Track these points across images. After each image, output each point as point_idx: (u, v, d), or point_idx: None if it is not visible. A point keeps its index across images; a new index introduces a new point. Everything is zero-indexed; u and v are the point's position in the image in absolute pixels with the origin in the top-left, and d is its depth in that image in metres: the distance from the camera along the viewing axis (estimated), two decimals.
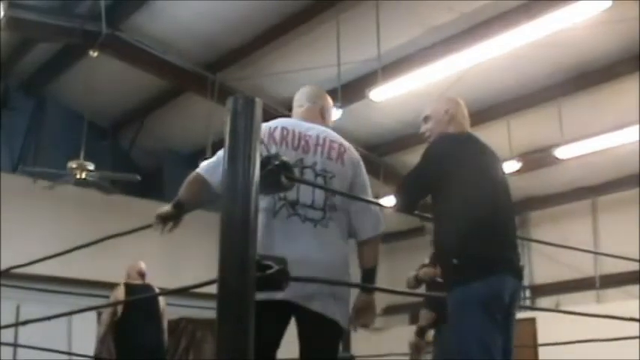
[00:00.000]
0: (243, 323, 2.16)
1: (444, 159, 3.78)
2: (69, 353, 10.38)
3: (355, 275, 3.76)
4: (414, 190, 3.87)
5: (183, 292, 7.95)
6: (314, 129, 3.76)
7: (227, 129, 2.32)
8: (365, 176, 3.83)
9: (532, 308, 13.78)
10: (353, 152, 3.80)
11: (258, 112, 2.34)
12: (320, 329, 3.60)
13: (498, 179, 3.90)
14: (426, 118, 4.03)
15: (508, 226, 3.84)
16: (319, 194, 3.60)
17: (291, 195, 3.52)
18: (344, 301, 3.67)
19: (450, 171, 3.72)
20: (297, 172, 3.43)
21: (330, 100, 4.07)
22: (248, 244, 2.22)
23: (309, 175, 3.63)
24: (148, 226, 3.63)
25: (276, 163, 3.28)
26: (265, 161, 2.65)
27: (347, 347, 6.84)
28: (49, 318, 4.61)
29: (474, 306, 3.51)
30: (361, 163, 3.83)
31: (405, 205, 3.88)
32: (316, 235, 3.56)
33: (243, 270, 2.20)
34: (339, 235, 3.64)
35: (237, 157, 2.29)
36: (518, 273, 3.73)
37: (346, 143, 3.80)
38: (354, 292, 3.83)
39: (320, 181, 3.62)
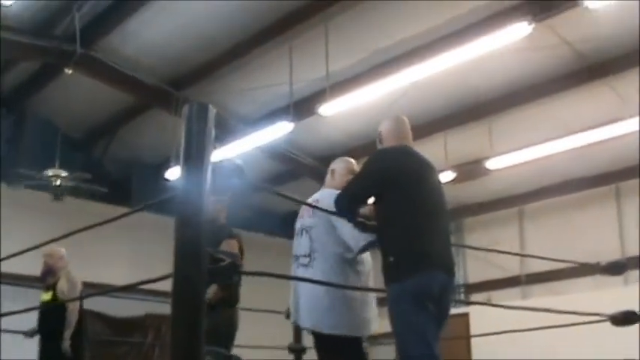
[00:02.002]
0: (196, 308, 2.13)
1: (373, 171, 3.85)
2: None
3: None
4: (350, 197, 3.91)
5: (134, 287, 7.75)
6: (313, 196, 4.39)
7: (183, 133, 2.29)
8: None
9: (466, 302, 13.91)
10: (325, 201, 4.16)
11: (211, 117, 2.31)
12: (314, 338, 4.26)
13: (433, 186, 3.93)
14: None
15: (441, 228, 3.86)
16: (305, 246, 4.24)
17: (296, 251, 4.32)
18: (320, 311, 4.12)
19: (384, 180, 3.76)
20: (301, 234, 4.30)
21: (341, 162, 4.60)
22: (200, 237, 2.18)
23: (304, 234, 4.29)
24: (98, 225, 3.54)
25: (230, 167, 3.30)
26: (220, 165, 2.64)
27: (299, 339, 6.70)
28: (26, 310, 4.62)
29: (407, 300, 3.54)
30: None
31: (344, 209, 3.92)
32: (305, 274, 4.18)
33: (197, 261, 2.17)
34: (321, 270, 4.13)
35: (191, 158, 2.25)
36: (449, 270, 3.75)
37: (321, 195, 4.33)
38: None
39: (306, 235, 4.26)
